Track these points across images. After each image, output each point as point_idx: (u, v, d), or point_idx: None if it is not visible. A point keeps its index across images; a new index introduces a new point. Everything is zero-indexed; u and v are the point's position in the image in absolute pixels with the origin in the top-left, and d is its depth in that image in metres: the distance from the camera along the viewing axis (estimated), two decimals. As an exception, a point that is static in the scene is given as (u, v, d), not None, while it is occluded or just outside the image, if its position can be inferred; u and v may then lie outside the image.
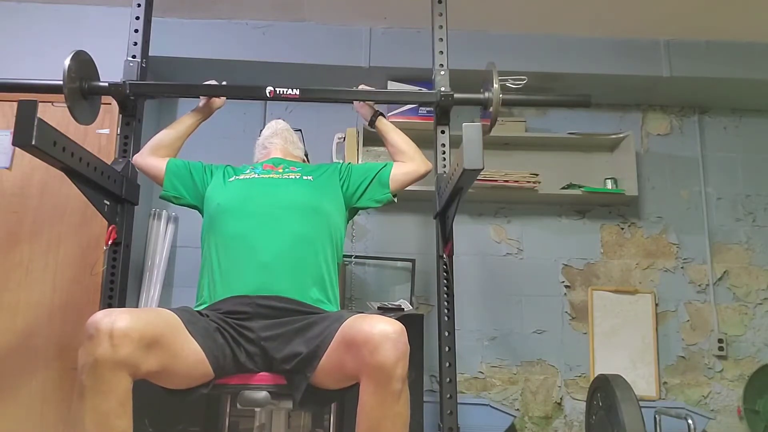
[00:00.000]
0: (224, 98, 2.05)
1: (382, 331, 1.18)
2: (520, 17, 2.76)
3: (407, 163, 1.88)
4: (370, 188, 1.80)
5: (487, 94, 1.97)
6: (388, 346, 1.16)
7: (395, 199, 1.85)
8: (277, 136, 1.91)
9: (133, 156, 1.94)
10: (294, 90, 1.91)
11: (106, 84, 1.94)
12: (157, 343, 1.20)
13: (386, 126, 1.98)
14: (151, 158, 1.89)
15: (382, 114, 2.02)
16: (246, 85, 1.91)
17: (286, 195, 1.66)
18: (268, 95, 1.90)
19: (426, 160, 1.91)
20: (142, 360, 1.15)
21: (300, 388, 1.37)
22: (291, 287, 1.50)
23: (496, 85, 1.90)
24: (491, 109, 1.92)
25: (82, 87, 1.91)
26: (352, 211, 1.84)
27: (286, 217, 1.60)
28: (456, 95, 1.99)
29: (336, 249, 1.67)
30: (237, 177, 1.75)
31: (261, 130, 2.02)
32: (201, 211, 1.81)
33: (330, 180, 1.77)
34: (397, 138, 1.94)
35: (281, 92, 1.90)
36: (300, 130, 2.05)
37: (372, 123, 2.01)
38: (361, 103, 2.04)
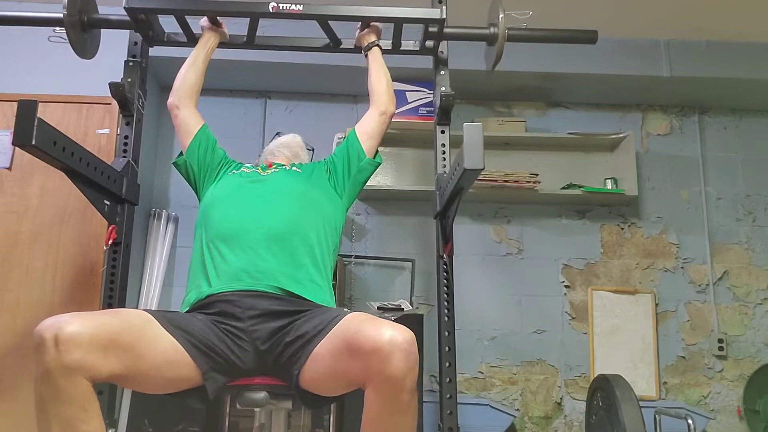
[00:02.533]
0: (226, 33, 2.03)
1: (392, 340, 1.11)
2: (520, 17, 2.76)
3: (368, 112, 1.87)
4: (350, 164, 1.78)
5: (492, 29, 1.94)
6: (399, 357, 1.10)
7: (376, 159, 1.82)
8: (287, 148, 1.91)
9: (169, 99, 1.86)
10: (297, 5, 1.85)
11: (107, 16, 1.93)
12: (115, 345, 1.15)
13: (375, 60, 1.95)
14: (190, 109, 1.82)
15: (379, 47, 1.99)
16: (248, 1, 1.86)
17: (274, 183, 1.68)
18: (270, 10, 1.84)
19: (390, 100, 1.88)
20: (100, 363, 1.11)
21: (291, 384, 1.34)
22: (281, 270, 1.48)
23: (501, 15, 1.87)
24: (496, 44, 1.89)
25: (81, 19, 1.89)
26: (352, 193, 1.81)
27: (274, 202, 1.60)
28: (458, 30, 1.96)
29: (328, 233, 1.64)
30: (235, 172, 1.76)
31: (274, 136, 2.02)
32: (195, 190, 1.81)
33: (318, 173, 1.78)
34: (374, 76, 1.92)
35: (284, 8, 1.84)
36: (313, 150, 2.05)
37: (368, 50, 1.98)
38: (366, 30, 2.00)
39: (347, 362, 1.19)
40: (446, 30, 1.96)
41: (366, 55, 1.99)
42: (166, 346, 1.26)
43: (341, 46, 2.10)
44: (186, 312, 1.50)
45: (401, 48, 2.09)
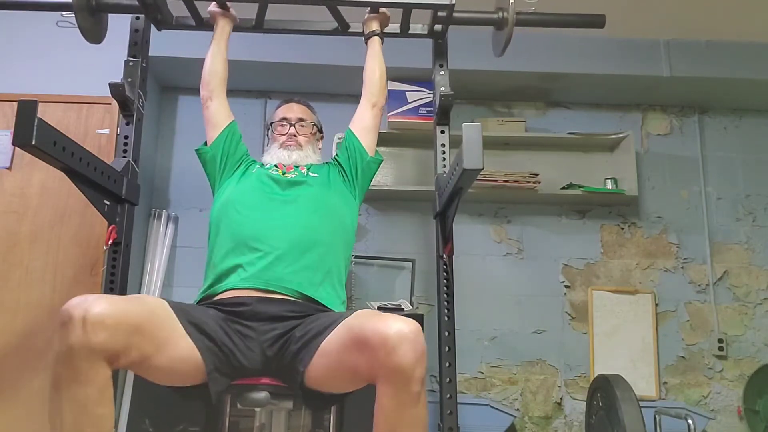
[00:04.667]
0: (236, 15, 2.02)
1: (399, 331, 1.12)
2: (520, 17, 2.76)
3: (360, 107, 1.88)
4: (356, 165, 1.81)
5: (501, 14, 1.93)
6: (406, 347, 1.11)
7: (377, 156, 1.85)
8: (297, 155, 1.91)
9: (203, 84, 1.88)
10: None
11: (117, 0, 1.93)
12: (138, 331, 1.16)
13: (373, 50, 1.95)
14: (221, 100, 1.86)
15: (380, 37, 1.98)
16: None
17: (296, 188, 1.68)
18: None
19: (380, 92, 1.89)
20: (121, 347, 1.11)
21: (296, 383, 1.35)
22: (300, 275, 1.50)
23: (512, 1, 1.86)
24: (505, 29, 1.89)
25: (90, 3, 1.89)
26: (362, 192, 1.84)
27: (295, 208, 1.62)
28: (467, 14, 1.96)
29: (345, 240, 1.68)
30: (257, 169, 1.77)
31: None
32: (212, 180, 1.83)
33: (335, 178, 1.79)
34: (369, 67, 1.93)
35: None
36: (320, 131, 2.05)
37: (368, 38, 1.98)
38: (372, 15, 2.00)
39: (355, 357, 1.20)
40: (455, 14, 1.95)
41: (366, 44, 1.99)
42: (181, 340, 1.28)
43: (350, 30, 2.08)
44: (199, 304, 1.52)
45: (409, 32, 2.08)
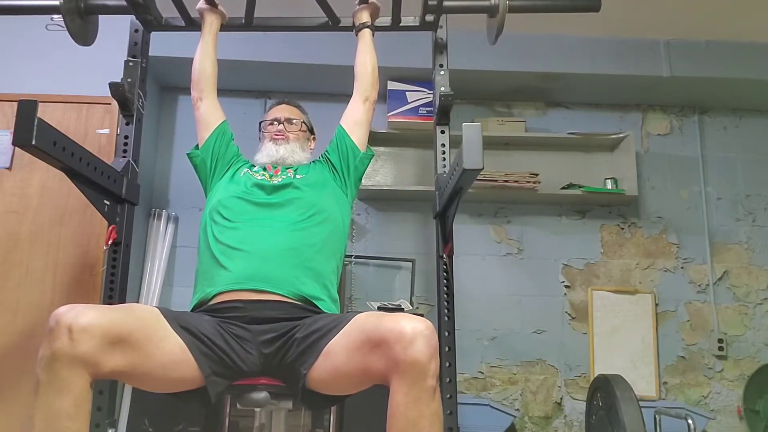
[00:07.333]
0: (225, 13, 1.99)
1: (414, 328, 1.16)
2: (520, 17, 2.75)
3: (352, 101, 1.86)
4: (348, 162, 1.81)
5: (493, 0, 1.91)
6: (422, 342, 1.15)
7: (368, 151, 1.84)
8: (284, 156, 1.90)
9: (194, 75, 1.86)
10: None
11: (104, 1, 1.90)
12: (124, 342, 1.17)
13: (364, 42, 1.92)
14: (212, 100, 1.85)
15: (371, 29, 1.95)
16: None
17: (284, 191, 1.67)
18: None
19: (373, 86, 1.86)
20: (105, 358, 1.13)
21: (297, 386, 1.35)
22: (292, 277, 1.50)
23: None
24: (498, 15, 1.87)
25: (78, 6, 1.86)
26: (354, 189, 1.83)
27: (285, 212, 1.61)
28: (458, 2, 1.94)
29: (337, 240, 1.67)
30: (246, 172, 1.76)
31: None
32: (203, 183, 1.82)
33: (324, 177, 1.78)
34: (360, 60, 1.90)
35: None
36: (311, 130, 2.04)
37: (358, 31, 1.95)
38: (362, 6, 1.96)
39: (367, 356, 1.22)
40: (446, 3, 1.93)
41: (356, 35, 1.96)
42: (173, 347, 1.28)
43: (341, 25, 2.05)
44: (193, 311, 1.52)
45: (401, 24, 2.05)
